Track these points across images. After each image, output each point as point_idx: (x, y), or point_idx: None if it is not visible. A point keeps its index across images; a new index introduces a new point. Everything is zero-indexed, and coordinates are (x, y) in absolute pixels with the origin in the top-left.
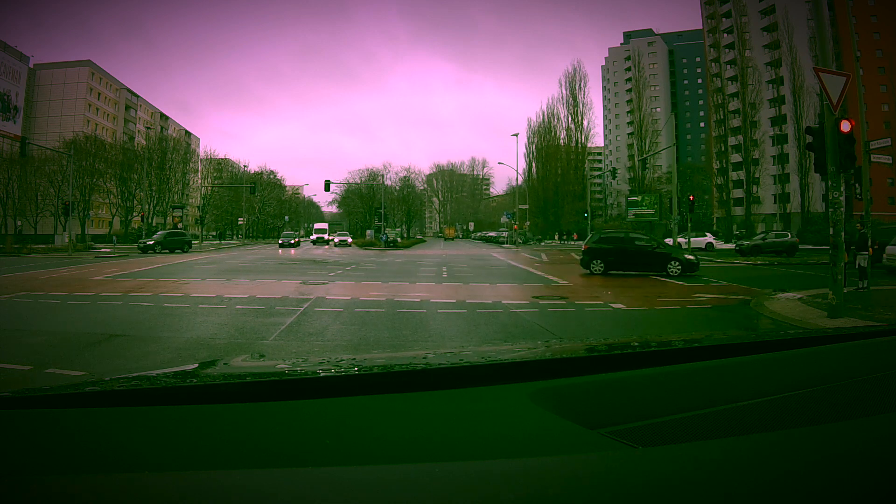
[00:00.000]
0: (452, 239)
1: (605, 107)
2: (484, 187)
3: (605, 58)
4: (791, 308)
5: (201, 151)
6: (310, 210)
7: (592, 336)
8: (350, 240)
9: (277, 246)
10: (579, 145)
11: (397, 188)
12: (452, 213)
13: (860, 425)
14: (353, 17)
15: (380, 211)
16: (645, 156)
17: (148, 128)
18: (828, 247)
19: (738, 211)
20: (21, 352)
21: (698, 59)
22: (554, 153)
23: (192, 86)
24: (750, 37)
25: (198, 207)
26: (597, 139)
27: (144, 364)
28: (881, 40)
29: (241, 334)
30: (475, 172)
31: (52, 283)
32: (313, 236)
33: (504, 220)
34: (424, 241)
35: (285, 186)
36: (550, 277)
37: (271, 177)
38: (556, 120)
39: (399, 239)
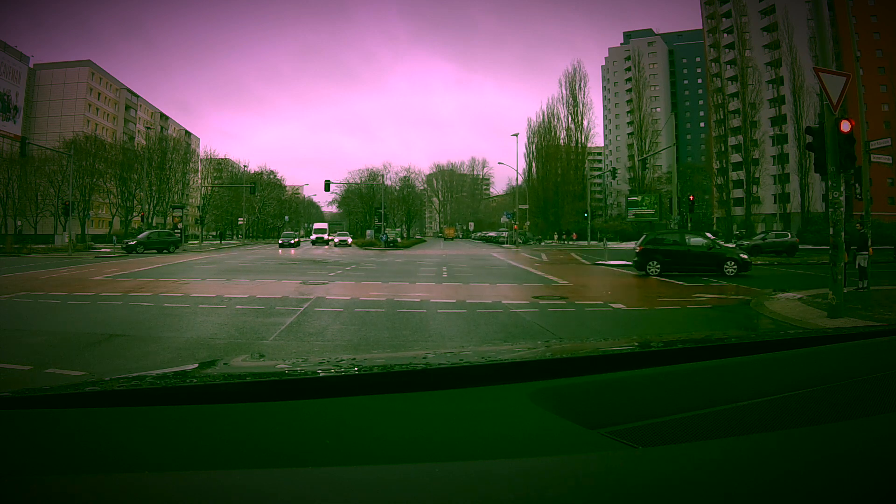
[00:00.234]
0: (452, 239)
1: (605, 107)
2: (484, 187)
3: (605, 58)
4: (791, 308)
5: (201, 151)
6: (310, 210)
7: (592, 336)
8: (350, 240)
9: (277, 246)
10: (579, 145)
11: (397, 188)
12: (452, 213)
13: (860, 425)
14: (353, 17)
15: (380, 211)
16: (645, 156)
17: (148, 128)
18: (828, 247)
19: (738, 211)
20: (21, 352)
21: (698, 59)
22: (554, 153)
23: (192, 86)
24: (750, 37)
25: (198, 207)
26: (597, 139)
27: (144, 364)
28: (881, 40)
29: (241, 334)
30: (475, 172)
31: (52, 283)
32: (313, 236)
33: (504, 220)
34: (424, 241)
35: (285, 186)
36: (550, 277)
37: (271, 177)
38: (556, 120)
39: (399, 239)
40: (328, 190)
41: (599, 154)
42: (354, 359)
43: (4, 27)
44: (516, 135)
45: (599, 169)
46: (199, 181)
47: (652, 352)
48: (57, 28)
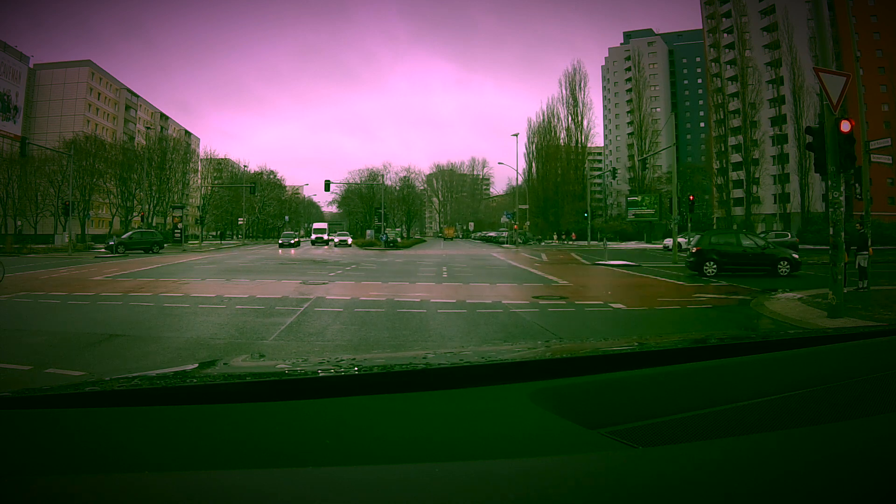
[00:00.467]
0: (452, 239)
1: (605, 107)
2: (484, 187)
3: (605, 58)
4: (791, 308)
5: (201, 151)
6: (310, 210)
7: (592, 336)
8: (350, 240)
9: (277, 246)
10: (579, 145)
11: (397, 188)
12: (452, 213)
13: (860, 425)
14: (353, 17)
15: (380, 211)
16: (645, 156)
17: (148, 128)
18: (828, 247)
19: (738, 211)
20: (21, 352)
21: (698, 59)
22: (554, 153)
23: (192, 86)
24: (750, 37)
25: (198, 207)
26: (597, 139)
27: (144, 364)
28: (881, 40)
29: (241, 334)
30: (475, 172)
31: (52, 283)
32: (312, 236)
33: (504, 220)
34: (424, 241)
35: (285, 186)
36: (550, 277)
37: (271, 177)
38: (556, 120)
39: (399, 239)
40: (328, 190)
41: (599, 154)
42: (354, 359)
43: (4, 27)
44: (516, 135)
45: (599, 169)
46: (199, 181)
47: (652, 352)
48: (57, 28)
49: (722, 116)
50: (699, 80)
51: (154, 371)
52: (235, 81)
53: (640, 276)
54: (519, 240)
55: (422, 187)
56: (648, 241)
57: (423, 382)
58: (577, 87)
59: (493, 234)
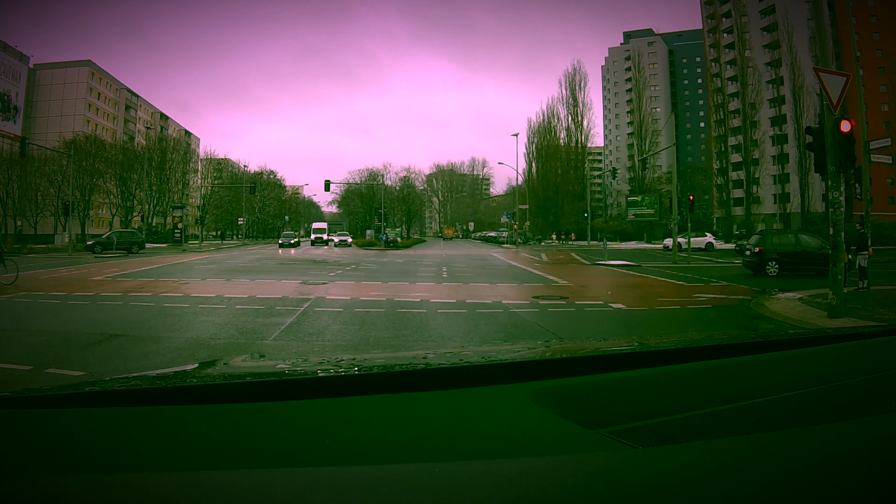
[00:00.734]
0: (451, 239)
1: (605, 107)
2: (484, 187)
3: (605, 58)
4: (791, 308)
5: (201, 151)
6: (310, 210)
7: (592, 336)
8: (350, 240)
9: (277, 246)
10: (579, 145)
11: (397, 188)
12: (452, 213)
13: (860, 425)
14: (353, 17)
15: (380, 211)
16: (645, 156)
17: (148, 128)
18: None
19: (739, 211)
20: (21, 352)
21: (698, 59)
22: (554, 153)
23: (192, 86)
24: (750, 37)
25: (198, 207)
26: (597, 139)
27: (144, 364)
28: (881, 40)
29: (241, 334)
30: (475, 172)
31: (52, 283)
32: (312, 236)
33: (504, 220)
34: (424, 241)
35: (285, 186)
36: (550, 277)
37: (271, 177)
38: (556, 120)
39: (399, 239)
40: (328, 190)
41: (599, 154)
42: (354, 359)
43: (4, 27)
44: (516, 135)
45: (599, 169)
46: (199, 181)
47: (652, 352)
48: (57, 28)
49: (722, 116)
50: (699, 80)
51: (154, 371)
52: (235, 81)
53: (640, 276)
54: (519, 240)
55: (422, 187)
56: (648, 241)
57: (423, 382)
58: (577, 88)
59: (493, 234)
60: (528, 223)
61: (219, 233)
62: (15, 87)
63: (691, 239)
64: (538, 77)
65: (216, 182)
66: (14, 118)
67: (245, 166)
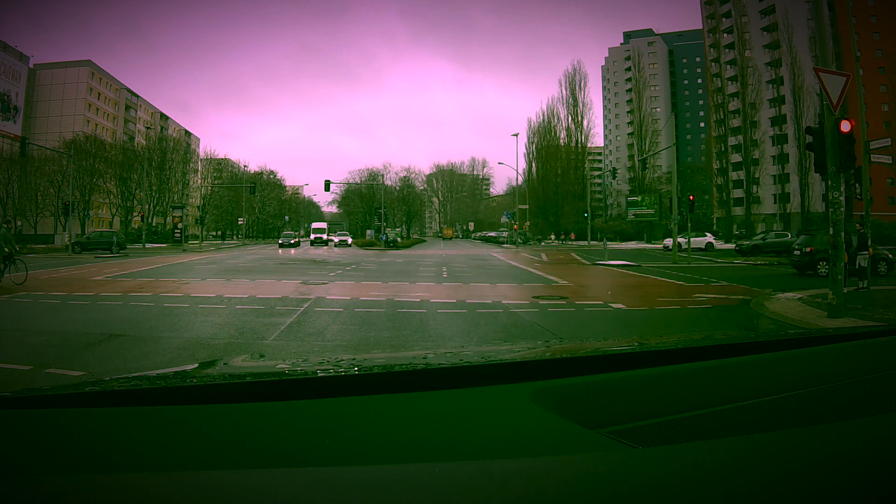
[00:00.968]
0: (451, 239)
1: (605, 107)
2: (484, 187)
3: (605, 58)
4: (791, 308)
5: (201, 151)
6: (310, 210)
7: (592, 336)
8: (350, 240)
9: (277, 246)
10: (579, 145)
11: (397, 188)
12: (452, 213)
13: (860, 425)
14: (353, 17)
15: (380, 211)
16: (645, 156)
17: (148, 128)
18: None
19: (738, 211)
20: (21, 352)
21: (698, 59)
22: (554, 153)
23: (192, 86)
24: (750, 37)
25: (198, 207)
26: (597, 139)
27: (144, 364)
28: (881, 40)
29: (241, 334)
30: (475, 172)
31: (52, 282)
32: (311, 236)
33: (504, 220)
34: (424, 241)
35: (285, 186)
36: (550, 277)
37: (271, 177)
38: (556, 120)
39: (399, 239)
40: (328, 190)
41: (599, 154)
42: (354, 359)
43: (4, 27)
44: (516, 135)
45: (599, 169)
46: (199, 181)
47: (652, 352)
48: (57, 28)
49: (722, 116)
50: (699, 80)
51: (154, 371)
52: (235, 81)
53: (640, 276)
54: (519, 240)
55: (422, 187)
56: (648, 241)
57: (423, 382)
58: (577, 87)
59: (493, 234)
60: (528, 223)
61: (220, 233)
62: (15, 87)
63: (691, 239)
64: (538, 77)
65: (216, 182)
66: (14, 118)
67: (245, 166)
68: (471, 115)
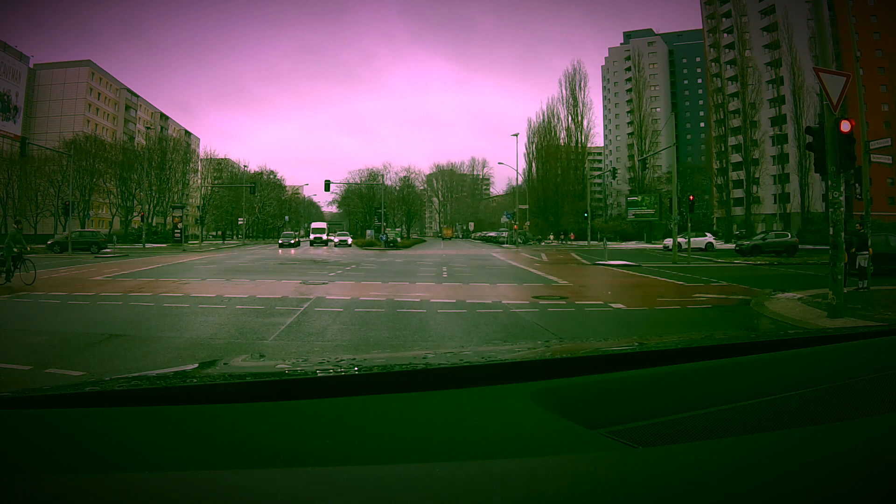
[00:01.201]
0: (451, 239)
1: (605, 107)
2: (484, 187)
3: (605, 58)
4: (791, 308)
5: (201, 151)
6: (310, 210)
7: (592, 336)
8: (350, 240)
9: (277, 246)
10: (579, 145)
11: (397, 188)
12: (452, 213)
13: (860, 425)
14: (353, 17)
15: (380, 211)
16: (645, 156)
17: (148, 128)
18: (827, 247)
19: (738, 211)
20: (21, 352)
21: (698, 59)
22: (554, 153)
23: (192, 86)
24: (750, 37)
25: (198, 207)
26: (597, 139)
27: (144, 364)
28: (881, 40)
29: (241, 334)
30: (475, 172)
31: (51, 282)
32: (311, 236)
33: (504, 220)
34: (424, 241)
35: (285, 186)
36: (550, 277)
37: (271, 177)
38: (556, 120)
39: (399, 239)
40: (328, 190)
41: (599, 154)
42: (354, 359)
43: (4, 27)
44: (516, 135)
45: (599, 169)
46: (199, 181)
47: (652, 352)
48: (57, 28)
49: (722, 116)
50: (699, 80)
51: (154, 371)
52: (235, 81)
53: (640, 276)
54: (519, 240)
55: (422, 187)
56: (648, 241)
57: (423, 382)
58: (577, 87)
59: (492, 234)
60: (527, 223)
61: (220, 233)
62: (15, 87)
63: (691, 239)
64: (538, 77)
65: (216, 182)
66: (14, 118)
67: (245, 166)
68: (471, 115)
